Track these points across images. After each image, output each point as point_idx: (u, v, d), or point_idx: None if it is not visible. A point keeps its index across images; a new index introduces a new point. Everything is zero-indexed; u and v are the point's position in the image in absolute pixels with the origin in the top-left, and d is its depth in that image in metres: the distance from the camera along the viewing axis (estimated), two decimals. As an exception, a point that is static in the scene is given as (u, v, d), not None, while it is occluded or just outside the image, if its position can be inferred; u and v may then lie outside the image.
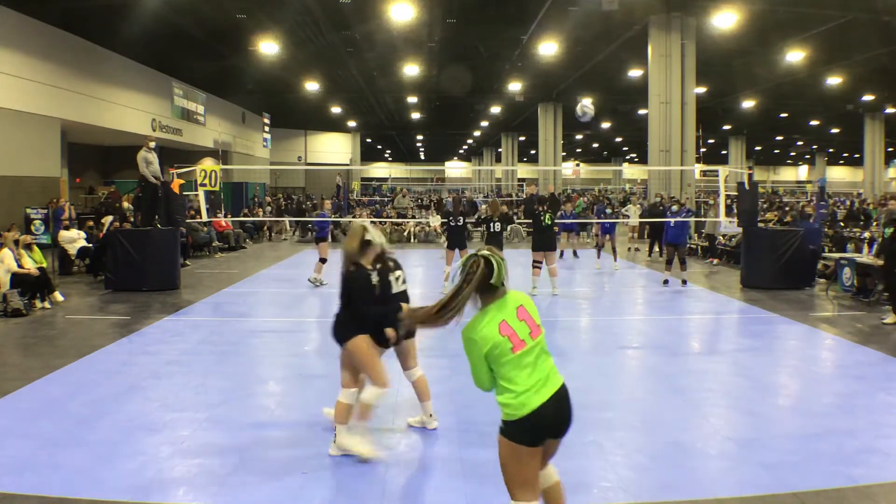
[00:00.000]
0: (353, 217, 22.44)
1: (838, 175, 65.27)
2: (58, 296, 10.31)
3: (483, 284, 2.90)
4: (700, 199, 24.93)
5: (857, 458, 4.49)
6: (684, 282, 12.21)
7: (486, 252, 2.96)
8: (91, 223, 15.18)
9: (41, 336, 8.16)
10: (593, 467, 4.42)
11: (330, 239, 14.33)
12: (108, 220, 16.12)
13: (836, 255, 11.80)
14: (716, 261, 15.80)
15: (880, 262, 9.48)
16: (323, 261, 12.32)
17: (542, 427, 2.87)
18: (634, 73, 24.31)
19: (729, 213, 15.70)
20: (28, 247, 10.56)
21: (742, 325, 9.29)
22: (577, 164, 48.95)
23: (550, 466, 3.19)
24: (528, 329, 2.93)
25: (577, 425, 5.04)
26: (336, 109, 36.76)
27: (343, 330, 4.46)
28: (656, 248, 16.41)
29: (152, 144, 12.48)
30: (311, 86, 28.64)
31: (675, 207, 13.30)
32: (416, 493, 4.03)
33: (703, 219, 18.58)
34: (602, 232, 14.97)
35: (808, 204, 19.41)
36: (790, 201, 34.31)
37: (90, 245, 13.68)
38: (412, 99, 33.47)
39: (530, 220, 11.72)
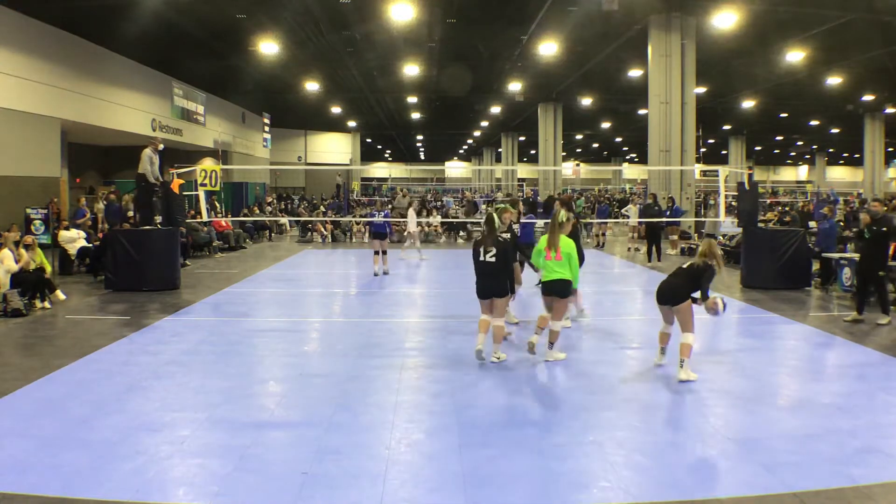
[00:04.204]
0: (353, 217, 22.42)
1: (838, 175, 65.28)
2: (59, 294, 10.30)
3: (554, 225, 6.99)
4: (699, 198, 24.86)
5: (857, 458, 4.49)
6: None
7: (563, 210, 7.54)
8: (88, 222, 15.15)
9: (41, 336, 8.16)
10: (593, 467, 4.42)
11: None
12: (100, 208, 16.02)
13: (837, 255, 11.78)
14: (716, 261, 15.67)
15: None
16: (384, 252, 13.45)
17: (545, 289, 6.93)
18: (634, 73, 24.29)
19: (729, 212, 15.63)
20: (28, 247, 10.55)
21: (742, 325, 9.29)
22: (577, 164, 48.97)
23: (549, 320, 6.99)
24: (555, 254, 6.77)
25: (578, 425, 5.09)
26: (336, 109, 36.73)
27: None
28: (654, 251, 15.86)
29: (161, 146, 12.51)
30: (311, 86, 28.61)
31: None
32: (417, 493, 4.03)
33: (702, 218, 18.50)
34: None
35: (808, 203, 19.35)
36: (789, 201, 34.20)
37: (90, 245, 13.68)
38: (412, 99, 33.45)
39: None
